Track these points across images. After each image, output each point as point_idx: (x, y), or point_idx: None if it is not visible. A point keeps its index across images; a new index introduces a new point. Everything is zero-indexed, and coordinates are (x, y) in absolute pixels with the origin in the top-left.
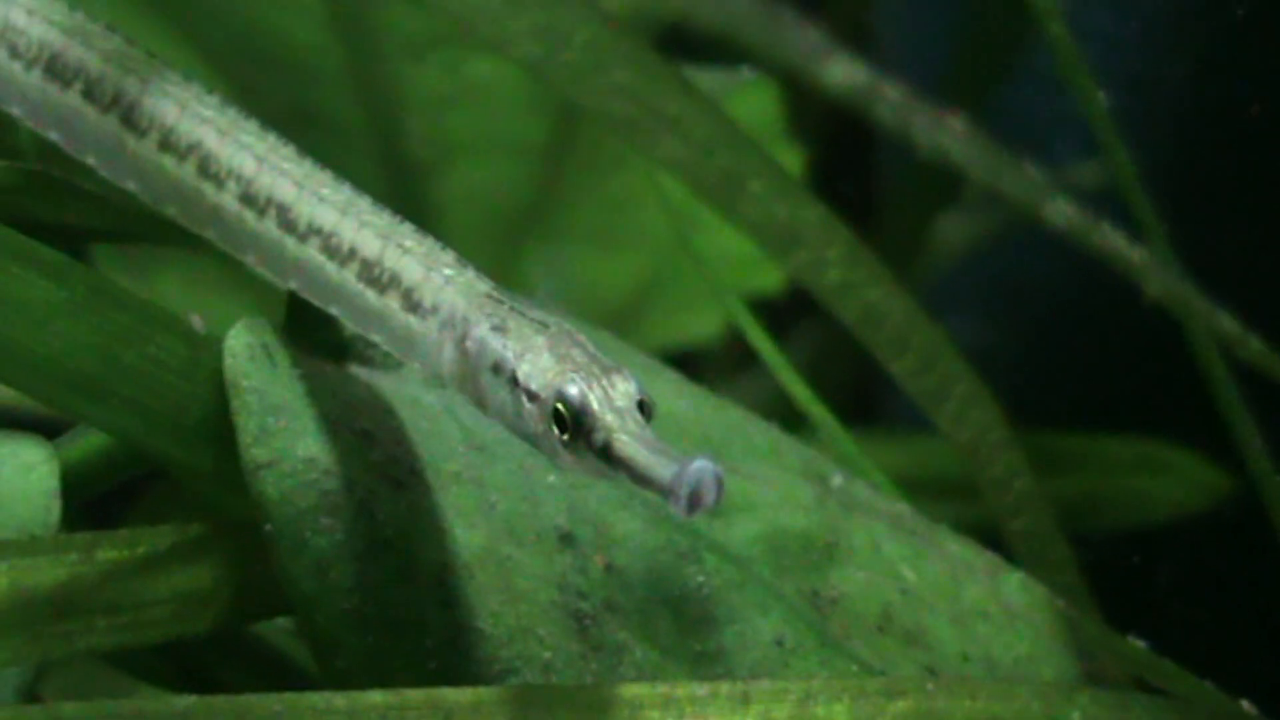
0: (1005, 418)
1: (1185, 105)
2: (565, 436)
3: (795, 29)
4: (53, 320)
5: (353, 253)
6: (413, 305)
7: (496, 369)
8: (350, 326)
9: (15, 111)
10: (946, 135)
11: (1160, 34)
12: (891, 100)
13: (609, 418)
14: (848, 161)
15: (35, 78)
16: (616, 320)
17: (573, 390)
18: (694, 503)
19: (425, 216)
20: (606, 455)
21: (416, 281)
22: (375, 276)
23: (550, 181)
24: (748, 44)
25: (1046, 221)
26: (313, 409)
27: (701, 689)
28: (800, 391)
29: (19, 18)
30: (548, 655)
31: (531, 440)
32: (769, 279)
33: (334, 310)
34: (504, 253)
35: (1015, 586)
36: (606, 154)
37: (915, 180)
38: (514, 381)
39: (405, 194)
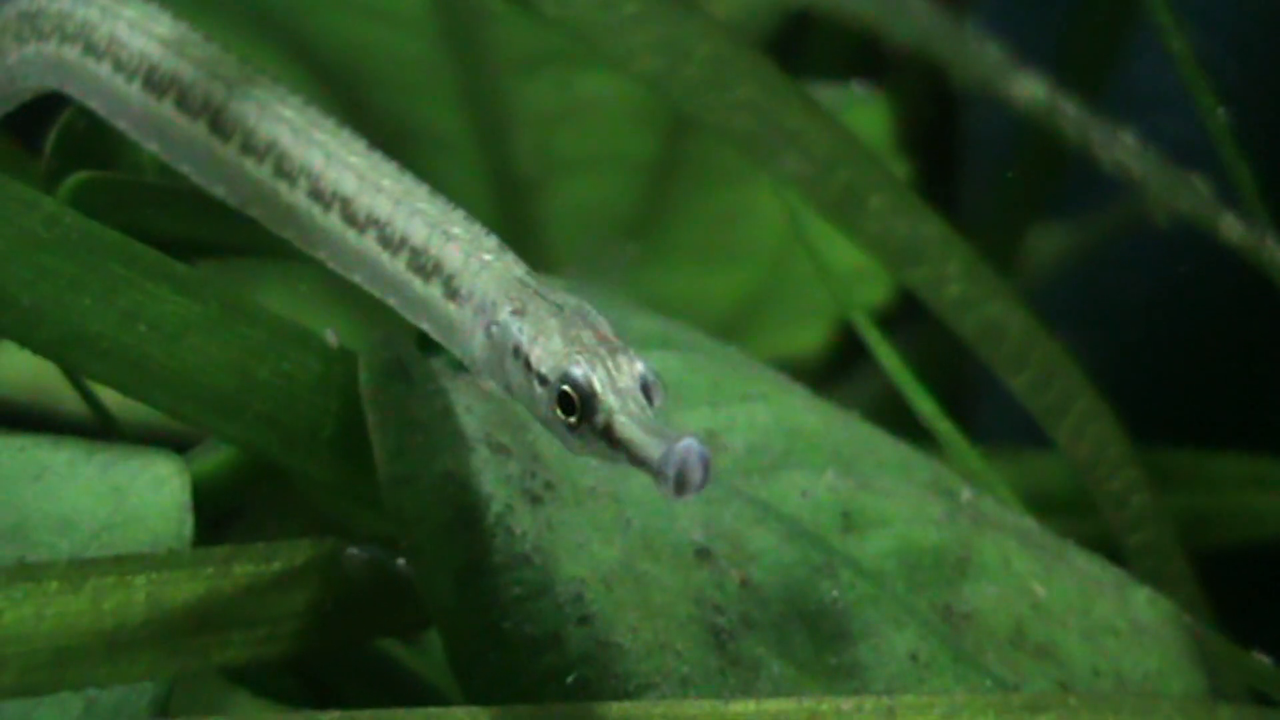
0: (1123, 433)
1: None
2: (573, 419)
3: (981, 44)
4: (187, 336)
5: (403, 242)
6: (452, 292)
7: (516, 353)
8: (405, 317)
9: (121, 124)
10: (1122, 150)
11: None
12: (1070, 115)
13: (610, 399)
14: (939, 174)
15: (135, 89)
16: (721, 334)
17: (577, 372)
18: (681, 483)
19: (532, 232)
20: (608, 436)
21: (456, 269)
22: (422, 265)
23: (658, 197)
24: (939, 59)
25: (1221, 237)
26: (449, 424)
27: (846, 703)
28: (926, 407)
29: (122, 31)
30: (685, 670)
31: (548, 425)
32: (875, 291)
33: (391, 302)
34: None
35: (1143, 602)
36: (714, 170)
37: (1007, 192)
38: (528, 365)
39: (512, 209)
